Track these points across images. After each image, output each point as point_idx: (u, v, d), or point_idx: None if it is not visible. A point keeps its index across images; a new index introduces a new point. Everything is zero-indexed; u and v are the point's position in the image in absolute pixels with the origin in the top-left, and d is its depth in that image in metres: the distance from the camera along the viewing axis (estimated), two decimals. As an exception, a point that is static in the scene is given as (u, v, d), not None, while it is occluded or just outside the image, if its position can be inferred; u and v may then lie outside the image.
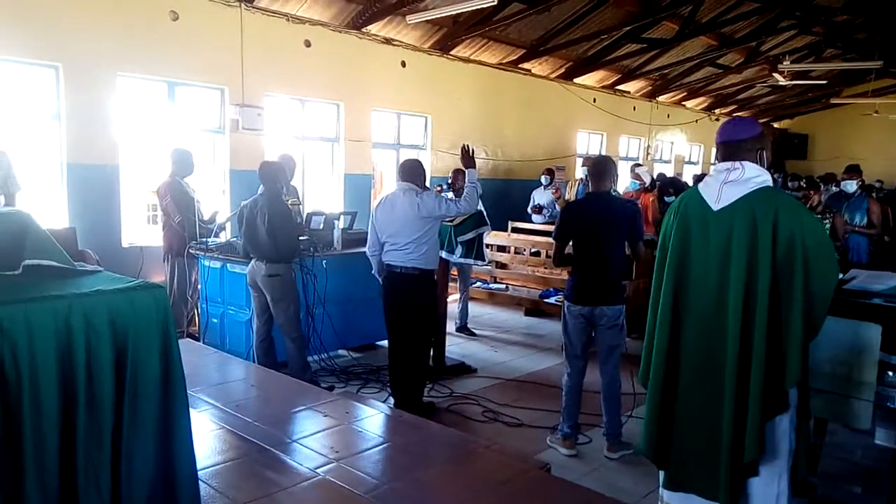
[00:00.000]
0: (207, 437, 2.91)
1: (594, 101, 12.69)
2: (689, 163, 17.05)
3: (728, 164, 2.42)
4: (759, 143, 2.43)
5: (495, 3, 7.18)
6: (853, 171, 6.75)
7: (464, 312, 6.73)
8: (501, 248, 8.83)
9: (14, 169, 5.07)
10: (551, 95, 11.67)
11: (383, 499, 2.43)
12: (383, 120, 9.20)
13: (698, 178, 7.98)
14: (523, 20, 9.09)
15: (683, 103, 15.75)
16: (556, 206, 8.93)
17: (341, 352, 5.71)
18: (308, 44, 7.79)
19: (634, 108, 14.02)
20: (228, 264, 5.29)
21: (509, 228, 9.46)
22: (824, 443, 3.41)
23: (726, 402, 2.33)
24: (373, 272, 4.52)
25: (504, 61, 10.55)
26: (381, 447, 3.00)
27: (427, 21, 8.21)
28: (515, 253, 8.66)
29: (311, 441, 2.94)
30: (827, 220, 5.91)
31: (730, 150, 2.44)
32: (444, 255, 5.45)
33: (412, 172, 4.40)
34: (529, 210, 9.60)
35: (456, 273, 6.62)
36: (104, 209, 6.28)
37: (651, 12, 9.79)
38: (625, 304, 4.01)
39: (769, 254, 2.27)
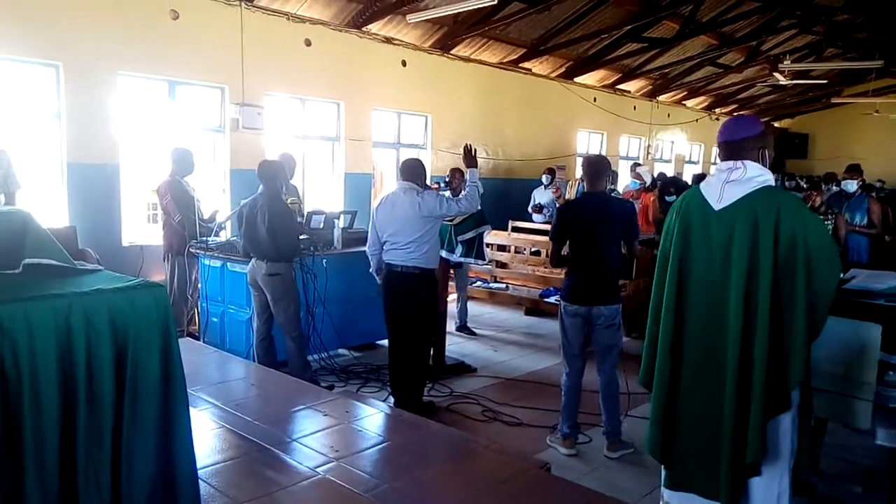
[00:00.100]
0: (207, 436, 2.91)
1: (594, 100, 12.69)
2: (690, 162, 17.05)
3: (730, 164, 2.42)
4: (761, 141, 2.42)
5: (495, 2, 7.18)
6: (854, 170, 6.75)
7: (463, 312, 6.73)
8: (502, 248, 8.82)
9: (14, 167, 5.06)
10: (552, 95, 11.67)
11: (383, 498, 2.43)
12: (383, 119, 9.19)
13: (697, 178, 7.98)
14: (523, 19, 9.08)
15: (684, 103, 15.75)
16: (557, 205, 8.93)
17: (341, 351, 5.71)
18: (308, 43, 7.78)
19: (635, 108, 14.02)
20: (228, 263, 5.29)
21: (509, 228, 9.47)
22: (824, 442, 3.41)
23: (727, 401, 2.33)
24: (370, 270, 4.53)
25: (504, 60, 10.55)
26: (380, 446, 3.00)
27: (427, 20, 8.21)
28: (516, 252, 8.66)
29: (311, 440, 2.94)
30: (829, 221, 5.90)
31: (731, 149, 2.44)
32: (444, 254, 5.44)
33: (413, 172, 4.40)
34: (530, 209, 9.60)
35: (452, 273, 6.62)
36: (104, 208, 6.28)
37: (651, 11, 9.79)
38: (621, 304, 4.01)
39: (771, 254, 2.26)
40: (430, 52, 9.36)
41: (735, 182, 2.37)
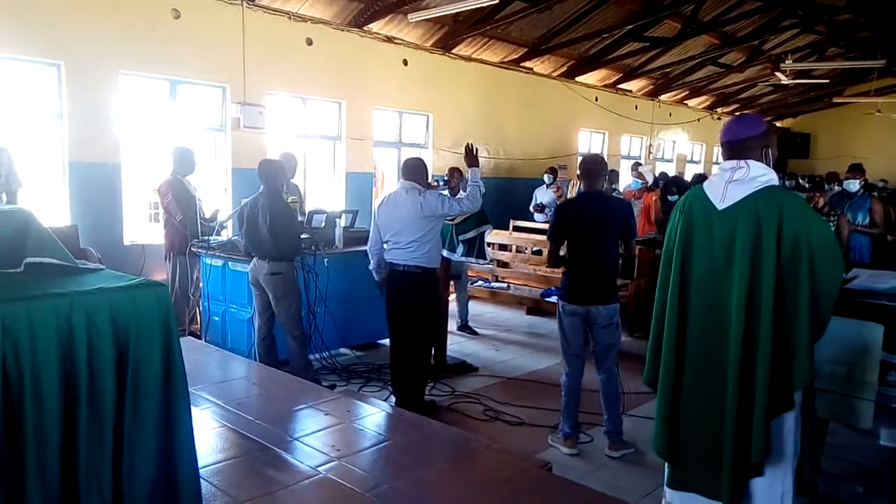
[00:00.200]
0: (209, 435, 2.91)
1: (596, 99, 12.68)
2: (691, 162, 17.03)
3: (733, 163, 2.41)
4: (764, 140, 2.41)
5: (496, 1, 7.18)
6: (856, 170, 6.75)
7: (463, 311, 6.72)
8: (503, 247, 8.82)
9: (16, 166, 5.06)
10: (553, 94, 11.66)
11: (384, 497, 2.43)
12: (385, 118, 9.19)
13: (697, 178, 7.97)
14: (525, 19, 9.08)
15: (685, 102, 15.73)
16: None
17: (343, 350, 5.72)
18: (310, 42, 7.78)
19: (636, 107, 14.01)
20: (230, 262, 5.29)
21: (511, 227, 9.46)
22: (826, 442, 3.40)
23: (729, 401, 2.33)
24: (370, 268, 4.52)
25: (506, 60, 10.54)
26: (382, 446, 3.00)
27: (428, 19, 8.21)
28: (517, 251, 8.65)
29: (313, 439, 2.94)
30: (832, 221, 5.89)
31: (734, 148, 2.43)
32: (445, 253, 5.44)
33: (415, 171, 4.40)
34: (532, 208, 9.60)
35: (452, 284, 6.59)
36: (106, 207, 6.28)
37: (653, 11, 9.78)
38: (619, 303, 4.01)
39: (774, 254, 2.26)
40: (431, 51, 9.36)
41: (738, 182, 2.36)
